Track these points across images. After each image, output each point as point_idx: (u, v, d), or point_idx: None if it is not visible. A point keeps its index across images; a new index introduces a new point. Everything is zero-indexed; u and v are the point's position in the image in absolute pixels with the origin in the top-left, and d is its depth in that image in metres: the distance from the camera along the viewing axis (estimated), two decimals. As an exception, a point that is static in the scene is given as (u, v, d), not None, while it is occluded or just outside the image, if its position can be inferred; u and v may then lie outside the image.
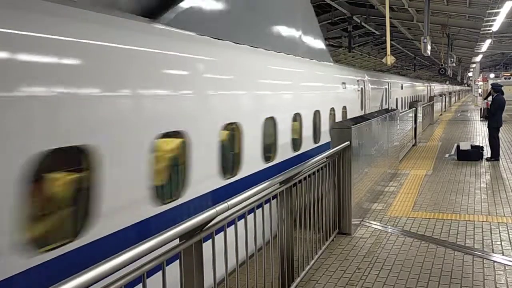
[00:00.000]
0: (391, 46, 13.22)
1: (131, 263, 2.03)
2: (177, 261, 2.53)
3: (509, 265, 4.69)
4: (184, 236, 2.54)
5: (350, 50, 20.20)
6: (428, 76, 62.76)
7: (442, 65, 25.21)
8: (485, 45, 23.43)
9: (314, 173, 4.60)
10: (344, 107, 10.86)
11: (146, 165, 3.87)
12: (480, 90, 44.28)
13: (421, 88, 31.39)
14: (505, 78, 25.60)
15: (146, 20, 4.46)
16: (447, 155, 11.71)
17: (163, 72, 4.29)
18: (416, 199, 7.38)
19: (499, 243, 5.34)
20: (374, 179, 7.21)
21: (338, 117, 10.14)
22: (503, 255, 4.97)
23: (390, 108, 13.91)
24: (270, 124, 6.60)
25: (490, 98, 11.87)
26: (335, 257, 4.97)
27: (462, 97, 65.55)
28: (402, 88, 21.55)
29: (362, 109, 12.70)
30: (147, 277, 2.21)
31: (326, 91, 9.81)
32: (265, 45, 7.00)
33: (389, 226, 6.02)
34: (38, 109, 2.97)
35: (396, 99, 19.33)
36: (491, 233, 5.69)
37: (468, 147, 11.14)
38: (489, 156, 10.94)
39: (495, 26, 15.93)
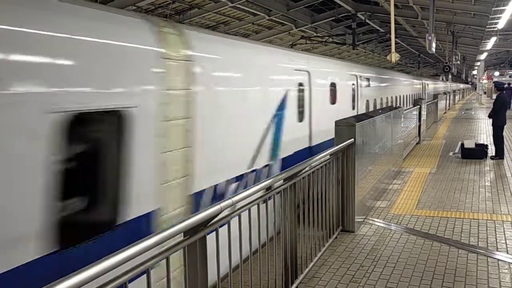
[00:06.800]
0: (396, 43, 13.17)
1: (135, 257, 2.03)
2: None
3: (514, 264, 4.68)
4: (188, 232, 2.55)
5: (354, 47, 20.10)
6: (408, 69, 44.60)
7: (446, 63, 25.11)
8: (490, 43, 23.26)
9: (318, 170, 4.60)
10: None
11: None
12: (483, 88, 44.15)
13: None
14: (510, 77, 25.51)
15: None
16: (451, 153, 11.67)
17: None
18: (420, 197, 7.36)
19: (503, 241, 5.32)
20: (377, 176, 7.19)
21: None
22: (507, 253, 4.95)
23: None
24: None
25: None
26: (339, 254, 4.96)
27: (466, 95, 65.13)
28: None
29: None
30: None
31: None
32: None
33: (393, 224, 6.01)
34: None
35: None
36: (495, 231, 5.67)
37: (473, 145, 11.09)
38: (494, 154, 10.90)
39: (501, 24, 15.80)
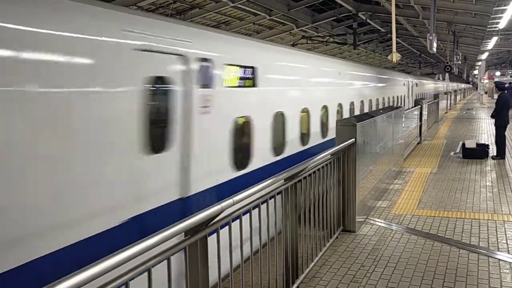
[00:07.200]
0: (397, 43, 13.16)
1: (136, 257, 2.03)
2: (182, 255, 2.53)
3: (515, 264, 4.67)
4: (189, 232, 2.55)
5: (355, 47, 20.08)
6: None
7: (447, 62, 25.11)
8: (491, 43, 23.27)
9: (319, 170, 4.60)
10: None
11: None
12: (484, 88, 44.06)
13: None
14: (511, 76, 25.35)
15: None
16: (452, 153, 11.66)
17: None
18: (421, 197, 7.36)
19: (504, 241, 5.32)
20: (378, 176, 7.19)
21: None
22: (508, 253, 4.95)
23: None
24: None
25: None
26: (340, 254, 4.96)
27: (467, 95, 64.99)
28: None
29: None
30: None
31: None
32: None
33: (394, 224, 6.01)
34: None
35: None
36: (496, 231, 5.67)
37: (474, 145, 11.09)
38: (495, 154, 10.90)
39: (502, 24, 15.80)
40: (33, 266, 3.05)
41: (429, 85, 32.96)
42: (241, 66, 5.97)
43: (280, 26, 20.67)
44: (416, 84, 24.30)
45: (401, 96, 19.04)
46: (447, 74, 42.74)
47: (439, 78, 44.02)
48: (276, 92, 7.16)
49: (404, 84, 20.30)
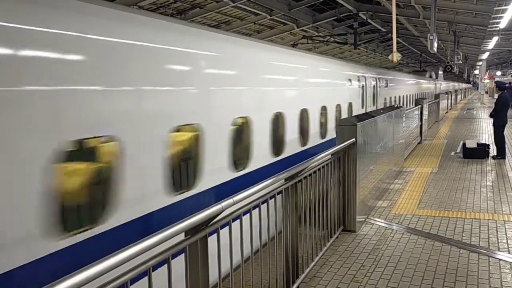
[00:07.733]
0: (397, 43, 13.16)
1: (136, 257, 2.03)
2: (182, 255, 2.54)
3: (515, 264, 4.67)
4: (190, 231, 2.55)
5: (356, 47, 20.07)
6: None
7: (448, 62, 25.13)
8: (492, 43, 23.28)
9: (319, 169, 4.60)
10: None
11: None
12: (485, 88, 43.99)
13: None
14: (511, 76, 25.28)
15: None
16: (452, 153, 11.66)
17: None
18: (421, 197, 7.36)
19: (504, 241, 5.32)
20: (379, 176, 7.19)
21: None
22: (509, 253, 4.95)
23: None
24: None
25: None
26: (340, 254, 4.96)
27: (468, 94, 64.95)
28: None
29: None
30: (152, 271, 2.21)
31: None
32: None
33: (394, 224, 6.01)
34: None
35: None
36: (496, 231, 5.66)
37: (474, 145, 11.09)
38: (495, 154, 10.89)
39: (502, 24, 15.83)
40: None
41: (412, 87, 23.44)
42: None
43: (281, 26, 20.68)
44: (386, 84, 15.97)
45: (341, 108, 10.35)
46: (440, 72, 37.28)
47: (430, 76, 33.72)
48: None
49: (351, 83, 11.54)
